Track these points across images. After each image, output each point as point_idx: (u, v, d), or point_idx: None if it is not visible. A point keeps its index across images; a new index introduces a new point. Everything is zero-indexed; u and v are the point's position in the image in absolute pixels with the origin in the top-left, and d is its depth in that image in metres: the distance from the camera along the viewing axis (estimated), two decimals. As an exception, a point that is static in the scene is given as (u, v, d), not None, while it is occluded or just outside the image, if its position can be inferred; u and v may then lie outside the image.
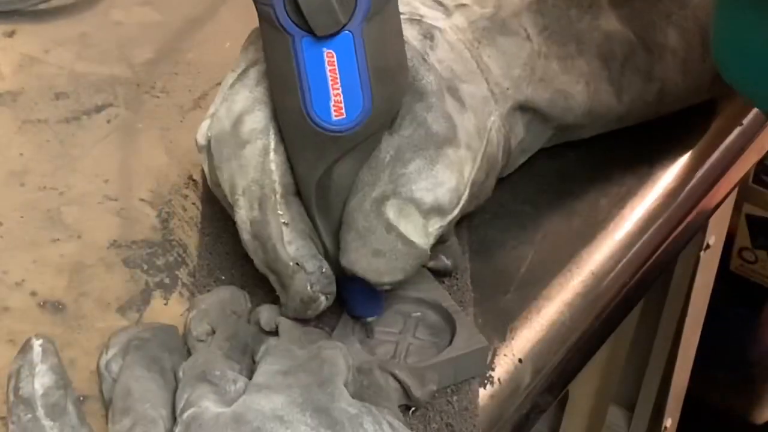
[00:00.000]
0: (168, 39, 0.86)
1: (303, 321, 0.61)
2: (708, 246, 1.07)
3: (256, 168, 0.60)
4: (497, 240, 0.71)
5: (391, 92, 0.59)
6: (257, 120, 0.61)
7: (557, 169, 0.75)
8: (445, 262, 0.66)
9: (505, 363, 0.64)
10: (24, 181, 0.74)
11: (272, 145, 0.60)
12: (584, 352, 0.70)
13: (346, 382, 0.54)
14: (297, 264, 0.59)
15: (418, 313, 0.64)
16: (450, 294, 0.65)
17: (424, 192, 0.60)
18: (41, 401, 0.52)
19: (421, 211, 0.60)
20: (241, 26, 0.66)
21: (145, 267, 0.68)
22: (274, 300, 0.61)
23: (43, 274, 0.67)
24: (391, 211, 0.59)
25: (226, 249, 0.68)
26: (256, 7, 0.57)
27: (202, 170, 0.66)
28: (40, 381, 0.53)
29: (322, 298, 0.60)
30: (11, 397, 0.53)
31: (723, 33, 0.62)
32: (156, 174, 0.74)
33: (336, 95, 0.58)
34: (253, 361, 0.57)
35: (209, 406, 0.52)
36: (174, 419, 0.53)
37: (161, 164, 0.75)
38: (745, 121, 0.82)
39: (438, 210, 0.60)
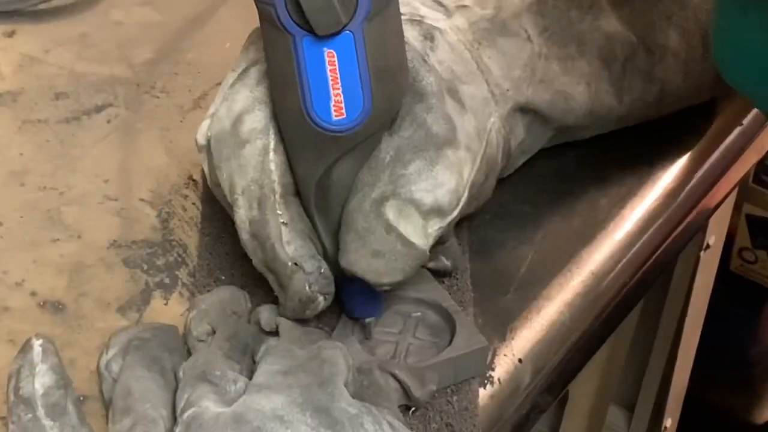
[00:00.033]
0: (168, 39, 0.86)
1: (302, 321, 0.61)
2: (708, 246, 1.07)
3: (256, 168, 0.60)
4: (497, 240, 0.71)
5: (392, 92, 0.59)
6: (257, 120, 0.61)
7: (557, 169, 0.75)
8: (445, 263, 0.66)
9: (505, 363, 0.64)
10: (24, 181, 0.74)
11: (272, 144, 0.60)
12: (584, 352, 0.70)
13: (346, 382, 0.54)
14: (295, 264, 0.59)
15: (418, 314, 0.64)
16: (450, 294, 0.65)
17: (424, 193, 0.60)
18: (41, 401, 0.52)
19: (421, 212, 0.60)
20: (241, 26, 0.66)
21: (145, 267, 0.68)
22: (274, 300, 0.61)
23: (43, 274, 0.67)
24: (390, 212, 0.59)
25: (226, 249, 0.68)
26: (257, 6, 0.57)
27: (202, 170, 0.66)
28: (41, 381, 0.53)
29: (321, 298, 0.60)
30: (11, 397, 0.53)
31: (723, 33, 0.62)
32: (156, 174, 0.74)
33: (336, 95, 0.58)
34: (254, 361, 0.57)
35: (209, 406, 0.52)
36: (174, 419, 0.53)
37: (161, 164, 0.75)
38: (745, 121, 0.82)
39: (437, 211, 0.60)
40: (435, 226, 0.61)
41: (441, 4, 0.69)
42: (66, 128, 0.78)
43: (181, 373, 0.55)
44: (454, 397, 0.61)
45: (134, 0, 0.90)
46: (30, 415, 0.52)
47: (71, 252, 0.69)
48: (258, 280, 0.62)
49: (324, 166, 0.59)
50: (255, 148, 0.60)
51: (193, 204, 0.72)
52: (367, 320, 0.63)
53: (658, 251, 0.75)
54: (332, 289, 0.60)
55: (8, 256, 0.68)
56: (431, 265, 0.66)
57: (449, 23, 0.67)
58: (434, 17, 0.67)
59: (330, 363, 0.54)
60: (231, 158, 0.61)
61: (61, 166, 0.75)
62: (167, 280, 0.67)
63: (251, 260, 0.61)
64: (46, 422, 0.52)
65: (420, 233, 0.60)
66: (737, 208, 1.52)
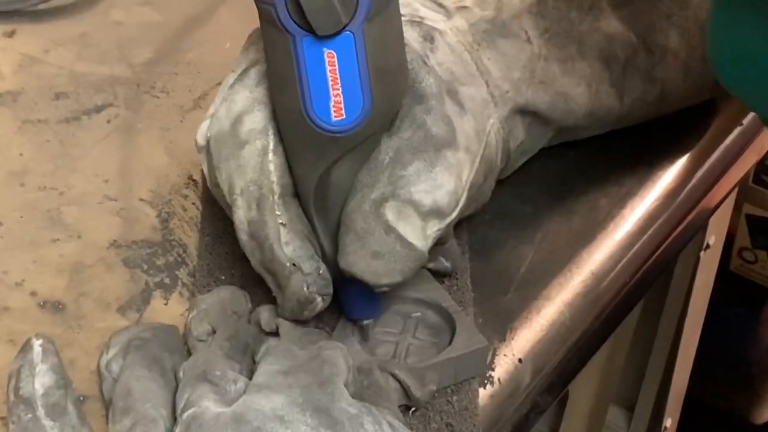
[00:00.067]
0: (168, 39, 0.86)
1: (301, 322, 0.61)
2: (708, 246, 1.07)
3: (255, 168, 0.60)
4: (497, 240, 0.71)
5: (391, 93, 0.59)
6: (256, 120, 0.61)
7: (557, 169, 0.75)
8: (445, 264, 0.66)
9: (505, 363, 0.64)
10: (24, 181, 0.74)
11: (271, 145, 0.60)
12: (584, 352, 0.70)
13: (346, 383, 0.54)
14: (294, 265, 0.59)
15: (418, 314, 0.64)
16: (450, 294, 0.65)
17: (423, 194, 0.60)
18: (41, 401, 0.52)
19: (420, 214, 0.60)
20: (241, 26, 0.66)
21: (145, 267, 0.68)
22: (274, 300, 0.61)
23: (43, 274, 0.67)
24: (390, 213, 0.59)
25: (226, 249, 0.68)
26: (257, 6, 0.57)
27: (202, 170, 0.66)
28: (41, 381, 0.53)
29: (319, 299, 0.60)
30: (11, 397, 0.53)
31: (718, 35, 0.62)
32: (156, 174, 0.74)
33: (336, 96, 0.58)
34: (254, 361, 0.57)
35: (209, 405, 0.52)
36: (174, 419, 0.53)
37: (161, 164, 0.75)
38: (745, 121, 0.82)
39: (437, 212, 0.60)
40: (434, 228, 0.61)
41: (441, 5, 0.69)
42: (66, 128, 0.78)
43: (181, 373, 0.55)
44: (454, 397, 0.61)
45: (134, 0, 0.90)
46: (30, 415, 0.52)
47: (71, 252, 0.69)
48: (258, 280, 0.62)
49: (323, 166, 0.59)
50: (254, 149, 0.60)
51: (193, 204, 0.72)
52: (366, 322, 0.63)
53: (658, 251, 0.75)
54: (330, 290, 0.60)
55: (8, 256, 0.68)
56: (431, 266, 0.66)
57: (449, 24, 0.67)
58: (434, 18, 0.67)
59: (330, 363, 0.54)
60: (230, 159, 0.61)
61: (61, 166, 0.75)
62: (167, 280, 0.67)
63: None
64: (46, 422, 0.52)
65: (419, 234, 0.60)
66: (737, 208, 1.52)
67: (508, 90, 0.68)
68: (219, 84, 0.64)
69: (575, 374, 0.71)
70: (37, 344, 0.54)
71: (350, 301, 0.63)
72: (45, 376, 0.53)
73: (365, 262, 0.59)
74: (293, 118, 0.59)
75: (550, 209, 0.74)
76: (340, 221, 0.60)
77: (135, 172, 0.75)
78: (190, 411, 0.52)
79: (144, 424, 0.53)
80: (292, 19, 0.56)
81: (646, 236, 0.74)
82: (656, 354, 1.15)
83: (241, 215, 0.60)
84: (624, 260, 0.72)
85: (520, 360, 0.65)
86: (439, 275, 0.66)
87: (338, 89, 0.58)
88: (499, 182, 0.70)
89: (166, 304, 0.66)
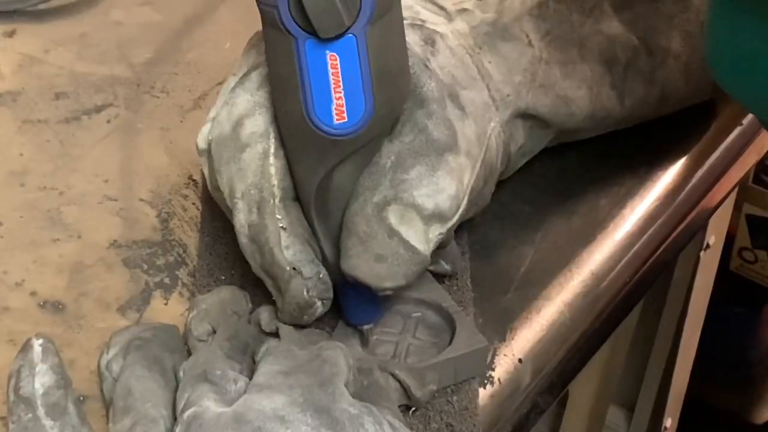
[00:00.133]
0: (168, 39, 0.86)
1: (301, 326, 0.61)
2: (708, 246, 1.07)
3: (255, 172, 0.60)
4: (497, 240, 0.71)
5: (393, 96, 0.59)
6: (257, 124, 0.61)
7: (557, 169, 0.75)
8: (445, 266, 0.66)
9: (505, 363, 0.64)
10: (24, 181, 0.74)
11: (272, 149, 0.60)
12: (584, 352, 0.70)
13: (346, 383, 0.54)
14: (294, 269, 0.59)
15: (418, 314, 0.64)
16: (450, 294, 0.65)
17: (425, 198, 0.60)
18: (42, 401, 0.52)
19: (422, 217, 0.60)
20: (241, 26, 0.66)
21: (145, 267, 0.68)
22: (275, 301, 0.61)
23: (43, 274, 0.67)
24: (392, 217, 0.59)
25: (226, 249, 0.68)
26: (259, 8, 0.57)
27: (202, 171, 0.66)
28: (41, 380, 0.53)
29: (319, 303, 0.60)
30: (12, 397, 0.53)
31: (718, 39, 0.62)
32: (156, 174, 0.74)
33: (338, 98, 0.58)
34: (254, 361, 0.57)
35: (210, 405, 0.52)
36: (175, 419, 0.53)
37: (161, 164, 0.75)
38: (745, 121, 0.82)
39: (438, 216, 0.60)
40: (436, 231, 0.61)
41: (442, 8, 0.69)
42: (66, 128, 0.78)
43: (181, 373, 0.55)
44: (454, 397, 0.61)
45: (134, 0, 0.90)
46: (30, 415, 0.52)
47: (71, 252, 0.69)
48: (258, 281, 0.62)
49: (324, 170, 0.59)
50: (255, 152, 0.60)
51: (193, 204, 0.72)
52: (365, 327, 0.63)
53: (658, 251, 0.75)
54: (330, 294, 0.60)
55: (8, 256, 0.68)
56: (431, 268, 0.66)
57: (450, 27, 0.67)
58: (435, 21, 0.67)
59: (331, 363, 0.54)
60: (231, 162, 0.61)
61: (61, 166, 0.75)
62: (167, 280, 0.67)
63: (250, 263, 0.61)
64: (47, 422, 0.52)
65: (422, 238, 0.60)
66: (737, 208, 1.52)
67: (509, 93, 0.68)
68: (219, 84, 0.64)
69: (575, 374, 0.71)
70: (37, 344, 0.54)
71: (350, 306, 0.63)
72: (45, 375, 0.53)
73: (368, 266, 0.59)
74: (295, 120, 0.59)
75: (550, 209, 0.74)
76: (342, 225, 0.60)
77: (135, 172, 0.75)
78: (190, 411, 0.52)
79: (144, 424, 0.53)
80: (294, 21, 0.56)
81: (646, 236, 0.74)
82: (656, 354, 1.15)
83: (241, 219, 0.60)
84: (624, 260, 0.72)
85: (520, 360, 0.65)
86: (439, 276, 0.66)
87: (340, 92, 0.58)
88: (500, 182, 0.70)
89: (166, 304, 0.66)
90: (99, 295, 0.66)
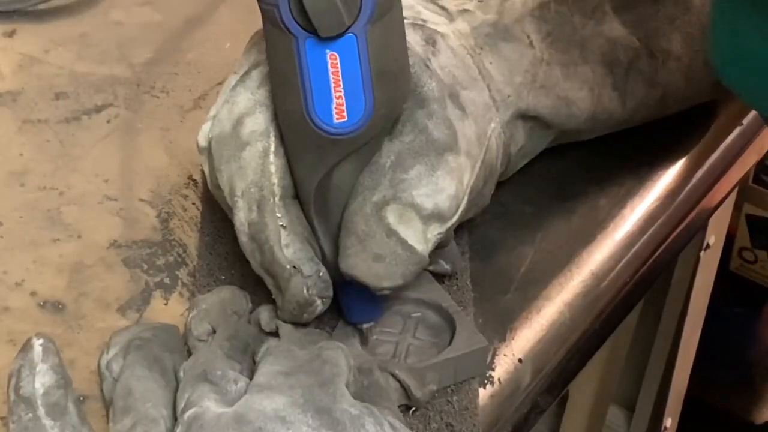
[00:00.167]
0: (168, 39, 0.86)
1: (300, 324, 0.61)
2: (708, 246, 1.07)
3: (256, 170, 0.60)
4: (497, 240, 0.71)
5: (393, 96, 0.59)
6: (258, 122, 0.61)
7: (557, 169, 0.75)
8: (445, 266, 0.66)
9: (505, 363, 0.64)
10: (24, 181, 0.74)
11: (272, 147, 0.60)
12: (584, 352, 0.70)
13: (347, 383, 0.54)
14: (294, 267, 0.59)
15: (418, 314, 0.64)
16: (450, 294, 0.65)
17: (425, 198, 0.60)
18: (42, 400, 0.52)
19: (422, 217, 0.60)
20: (241, 26, 0.66)
21: (145, 267, 0.68)
22: (275, 300, 0.61)
23: (43, 274, 0.67)
24: (391, 216, 0.59)
25: (226, 249, 0.68)
26: (260, 7, 0.57)
27: (202, 170, 0.66)
28: (41, 380, 0.53)
29: (318, 302, 0.60)
30: (12, 396, 0.53)
31: (720, 35, 0.62)
32: (156, 174, 0.74)
33: (338, 98, 0.58)
34: (254, 361, 0.57)
35: (210, 406, 0.52)
36: (175, 419, 0.53)
37: (161, 164, 0.75)
38: (745, 121, 0.82)
39: (438, 216, 0.60)
40: (435, 231, 0.61)
41: (443, 8, 0.68)
42: (66, 128, 0.78)
43: (181, 373, 0.55)
44: (454, 397, 0.61)
45: (134, 0, 0.90)
46: (30, 415, 0.52)
47: (71, 252, 0.69)
48: (258, 281, 0.62)
49: (324, 169, 0.59)
50: (255, 151, 0.60)
51: (193, 204, 0.72)
52: (365, 326, 0.63)
53: (658, 251, 0.75)
54: (330, 292, 0.60)
55: (8, 256, 0.68)
56: (431, 268, 0.66)
57: (451, 27, 0.67)
58: (436, 21, 0.67)
59: (331, 364, 0.54)
60: (231, 160, 0.61)
61: (61, 166, 0.75)
62: (167, 280, 0.67)
63: (250, 262, 0.61)
64: (47, 422, 0.52)
65: (420, 238, 0.60)
66: (737, 208, 1.52)
67: (510, 94, 0.68)
68: (219, 84, 0.64)
69: (575, 374, 0.71)
70: (37, 344, 0.54)
71: (350, 305, 0.63)
72: (45, 375, 0.53)
73: (366, 265, 0.59)
74: (295, 119, 0.59)
75: (550, 209, 0.74)
76: (341, 224, 0.60)
77: (135, 172, 0.75)
78: (191, 411, 0.52)
79: (145, 424, 0.53)
80: (294, 20, 0.56)
81: (646, 236, 0.74)
82: (656, 354, 1.15)
83: (241, 217, 0.60)
84: (624, 260, 0.72)
85: (520, 360, 0.65)
86: (439, 276, 0.66)
87: (340, 91, 0.58)
88: (500, 182, 0.70)
89: (166, 304, 0.66)
90: (99, 295, 0.66)
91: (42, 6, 0.88)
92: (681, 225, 0.77)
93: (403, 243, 0.59)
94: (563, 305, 0.68)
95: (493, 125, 0.66)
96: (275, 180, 0.60)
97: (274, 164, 0.60)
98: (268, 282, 0.61)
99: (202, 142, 0.63)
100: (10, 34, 0.86)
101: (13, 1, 0.87)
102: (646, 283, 0.75)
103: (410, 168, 0.60)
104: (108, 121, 0.79)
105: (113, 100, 0.80)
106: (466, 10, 0.69)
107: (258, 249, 0.60)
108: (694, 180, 0.78)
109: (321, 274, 0.60)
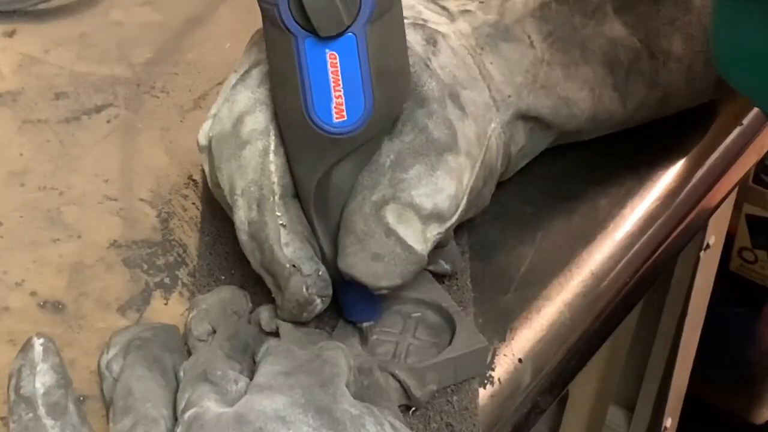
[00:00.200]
0: (168, 39, 0.86)
1: (300, 323, 0.61)
2: (708, 246, 1.06)
3: (256, 169, 0.60)
4: (497, 240, 0.71)
5: (393, 95, 0.59)
6: (258, 121, 0.61)
7: (557, 169, 0.75)
8: (444, 266, 0.66)
9: (505, 363, 0.64)
10: (24, 181, 0.74)
11: (272, 146, 0.60)
12: (584, 352, 0.70)
13: (347, 383, 0.54)
14: (293, 266, 0.59)
15: (418, 314, 0.64)
16: (450, 294, 0.65)
17: (424, 198, 0.60)
18: (42, 400, 0.52)
19: (421, 217, 0.60)
20: (241, 26, 0.66)
21: (145, 267, 0.68)
22: (275, 300, 0.61)
23: (43, 274, 0.67)
24: (390, 216, 0.59)
25: (226, 249, 0.68)
26: (260, 6, 0.57)
27: (202, 170, 0.66)
28: (42, 380, 0.53)
29: (318, 300, 0.60)
30: (12, 396, 0.53)
31: (723, 32, 0.62)
32: (156, 174, 0.74)
33: (337, 97, 0.58)
34: (254, 361, 0.57)
35: (211, 406, 0.52)
36: (175, 419, 0.53)
37: (161, 164, 0.75)
38: (745, 121, 0.82)
39: (437, 216, 0.60)
40: (434, 231, 0.60)
41: (444, 9, 0.68)
42: (66, 128, 0.78)
43: (181, 373, 0.55)
44: (454, 397, 0.61)
45: (134, 0, 0.90)
46: (31, 414, 0.52)
47: (71, 252, 0.69)
48: (258, 280, 0.62)
49: (324, 168, 0.59)
50: (255, 150, 0.60)
51: (193, 204, 0.72)
52: (365, 325, 0.63)
53: (658, 251, 0.75)
54: (330, 291, 0.60)
55: (8, 256, 0.68)
56: (430, 268, 0.66)
57: (452, 28, 0.67)
58: (437, 21, 0.67)
59: (331, 364, 0.54)
60: (231, 159, 0.61)
61: (61, 166, 0.75)
62: (167, 280, 0.67)
63: (250, 261, 0.61)
64: (47, 421, 0.52)
65: (419, 238, 0.60)
66: (737, 208, 1.52)
67: (510, 95, 0.68)
68: (219, 84, 0.64)
69: (575, 374, 0.71)
70: (38, 343, 0.54)
71: (349, 303, 0.63)
72: (46, 375, 0.53)
73: (365, 264, 0.59)
74: (294, 118, 0.59)
75: (550, 209, 0.74)
76: (340, 223, 0.60)
77: (135, 172, 0.75)
78: (191, 411, 0.52)
79: (145, 424, 0.53)
80: (294, 19, 0.56)
81: (646, 236, 0.74)
82: (656, 354, 1.15)
83: (241, 216, 0.60)
84: (624, 260, 0.72)
85: (520, 360, 0.65)
86: (439, 276, 0.66)
87: (340, 91, 0.58)
88: (500, 182, 0.70)
89: (166, 304, 0.66)
90: (99, 295, 0.66)
91: (42, 6, 0.88)
92: (681, 225, 0.77)
93: (402, 243, 0.59)
94: (563, 305, 0.68)
95: (493, 125, 0.66)
96: (275, 179, 0.60)
97: (274, 163, 0.60)
98: (268, 281, 0.61)
99: (203, 140, 0.63)
100: (10, 34, 0.86)
101: (13, 1, 0.87)
102: (646, 283, 0.75)
103: (410, 168, 0.60)
104: (108, 121, 0.79)
105: (113, 100, 0.80)
106: (467, 11, 0.69)
107: (258, 248, 0.60)
108: (694, 180, 0.78)
109: (320, 273, 0.60)
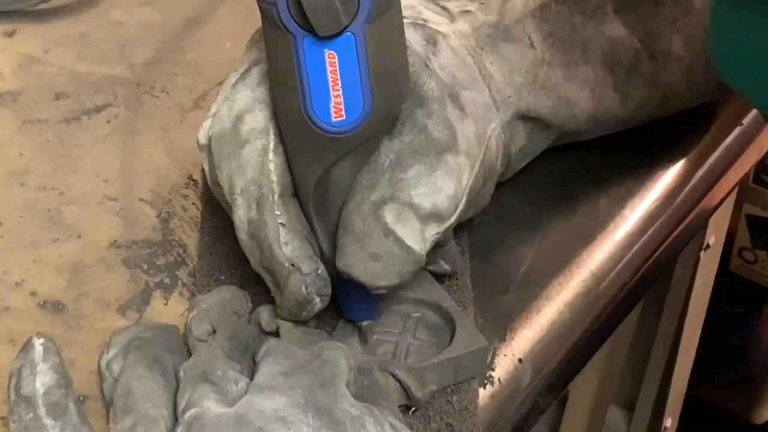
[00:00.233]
0: (168, 39, 0.86)
1: (300, 322, 0.61)
2: (708, 246, 1.06)
3: (255, 168, 0.60)
4: (497, 240, 0.71)
5: (392, 95, 0.59)
6: (257, 120, 0.61)
7: (557, 169, 0.75)
8: (444, 266, 0.66)
9: (505, 363, 0.64)
10: (24, 181, 0.74)
11: (272, 145, 0.60)
12: (584, 352, 0.70)
13: (347, 383, 0.54)
14: (293, 265, 0.59)
15: (418, 314, 0.64)
16: (450, 294, 0.65)
17: (423, 197, 0.60)
18: (42, 400, 0.52)
19: (419, 217, 0.60)
20: (241, 26, 0.66)
21: (145, 267, 0.68)
22: (274, 300, 0.61)
23: (43, 274, 0.67)
24: (389, 215, 0.59)
25: (226, 249, 0.68)
26: (258, 6, 0.57)
27: (202, 170, 0.66)
28: (42, 380, 0.53)
29: (317, 299, 0.60)
30: (12, 396, 0.53)
31: (722, 33, 0.62)
32: (156, 174, 0.74)
33: (336, 96, 0.58)
34: (254, 361, 0.57)
35: (211, 406, 0.52)
36: (175, 419, 0.53)
37: (161, 164, 0.75)
38: (745, 121, 0.82)
39: (436, 216, 0.60)
40: (433, 231, 0.60)
41: (444, 9, 0.68)
42: (66, 128, 0.78)
43: (181, 373, 0.55)
44: (454, 397, 0.61)
45: (134, 0, 0.90)
46: (31, 414, 0.52)
47: (71, 252, 0.69)
48: (258, 280, 0.62)
49: (323, 167, 0.59)
50: (255, 149, 0.60)
51: (193, 204, 0.72)
52: (364, 323, 0.63)
53: (658, 251, 0.75)
54: (329, 290, 0.60)
55: (8, 256, 0.68)
56: (430, 268, 0.66)
57: (452, 28, 0.67)
58: (437, 21, 0.67)
59: (331, 364, 0.54)
60: (231, 158, 0.61)
61: (61, 166, 0.75)
62: (167, 280, 0.67)
63: (250, 260, 0.61)
64: (48, 421, 0.52)
65: (418, 238, 0.60)
66: (737, 208, 1.52)
67: (510, 95, 0.68)
68: (219, 84, 0.64)
69: (575, 374, 0.71)
70: (38, 343, 0.54)
71: (349, 302, 0.63)
72: (46, 375, 0.53)
73: (363, 264, 0.59)
74: (293, 118, 0.59)
75: (550, 209, 0.74)
76: (339, 222, 0.60)
77: (135, 172, 0.75)
78: (191, 411, 0.52)
79: (145, 424, 0.53)
80: (293, 19, 0.56)
81: (646, 236, 0.74)
82: (656, 354, 1.15)
83: (240, 214, 0.60)
84: (624, 260, 0.72)
85: (520, 360, 0.65)
86: (439, 276, 0.66)
87: (338, 90, 0.58)
88: (500, 182, 0.70)
89: (166, 304, 0.66)
90: (99, 295, 0.66)
91: (42, 6, 0.88)
92: (681, 225, 0.77)
93: (400, 242, 0.59)
94: (563, 305, 0.68)
95: (493, 125, 0.66)
96: (274, 178, 0.60)
97: (274, 162, 0.60)
98: (267, 280, 0.61)
99: (203, 139, 0.63)
100: (10, 34, 0.86)
101: (13, 1, 0.87)
102: (646, 283, 0.75)
103: (409, 167, 0.60)
104: (108, 121, 0.79)
105: (113, 100, 0.80)
106: (467, 11, 0.69)
107: (257, 247, 0.60)
108: (694, 180, 0.78)
109: (320, 272, 0.60)
